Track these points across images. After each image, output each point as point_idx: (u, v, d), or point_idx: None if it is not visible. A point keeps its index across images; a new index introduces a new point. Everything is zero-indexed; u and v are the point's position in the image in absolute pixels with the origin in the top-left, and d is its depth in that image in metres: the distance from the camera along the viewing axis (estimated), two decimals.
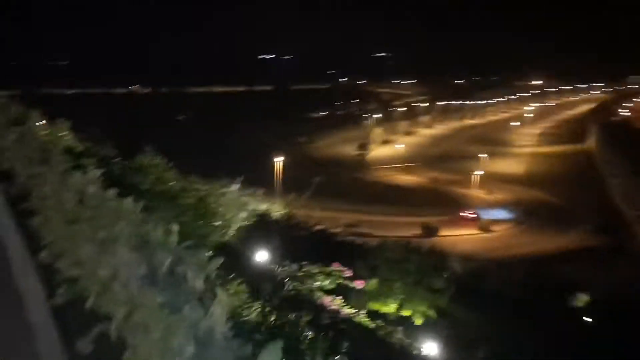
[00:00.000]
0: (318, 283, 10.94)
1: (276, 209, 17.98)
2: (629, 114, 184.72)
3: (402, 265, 12.49)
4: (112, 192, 4.90)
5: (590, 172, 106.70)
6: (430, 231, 66.06)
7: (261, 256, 11.79)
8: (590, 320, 20.79)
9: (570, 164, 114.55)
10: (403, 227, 66.87)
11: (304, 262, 11.33)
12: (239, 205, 10.70)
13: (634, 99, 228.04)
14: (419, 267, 12.43)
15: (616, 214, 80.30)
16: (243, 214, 10.36)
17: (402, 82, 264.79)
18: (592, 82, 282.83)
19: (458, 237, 67.49)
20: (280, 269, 11.45)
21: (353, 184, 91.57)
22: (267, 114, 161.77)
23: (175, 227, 3.36)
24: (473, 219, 73.21)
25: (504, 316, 15.00)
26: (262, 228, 13.12)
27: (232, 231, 9.50)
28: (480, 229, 69.72)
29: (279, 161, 70.10)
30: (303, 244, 14.43)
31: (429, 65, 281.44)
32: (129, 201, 4.51)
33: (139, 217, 4.38)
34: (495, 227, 71.07)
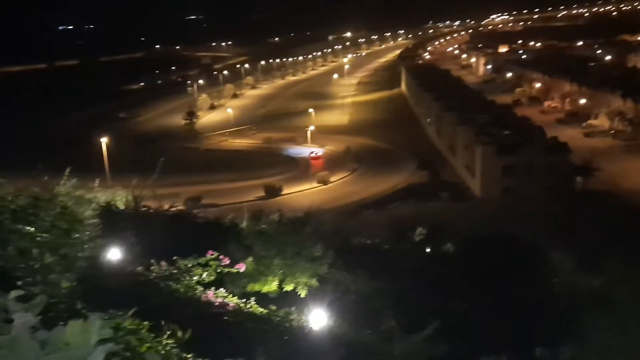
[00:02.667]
0: (196, 277, 9.91)
1: (119, 198, 16.13)
2: (430, 56, 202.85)
3: (277, 239, 11.94)
4: None
5: (406, 114, 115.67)
6: (273, 191, 66.61)
7: (118, 259, 10.36)
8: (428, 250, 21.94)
9: (389, 108, 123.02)
10: (246, 192, 66.56)
11: (174, 257, 10.17)
12: (83, 203, 9.13)
13: (433, 43, 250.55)
14: (296, 239, 11.99)
15: (432, 149, 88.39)
16: (88, 213, 8.86)
17: (220, 45, 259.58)
18: (396, 30, 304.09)
19: (300, 192, 69.08)
20: (145, 270, 10.16)
21: (187, 155, 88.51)
22: (77, 91, 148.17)
23: None
24: (318, 157, 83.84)
25: (374, 269, 15.31)
26: (111, 224, 11.53)
27: (85, 238, 8.03)
28: (319, 182, 72.04)
29: (103, 142, 64.50)
30: (163, 234, 13.09)
31: (243, 25, 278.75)
32: None
33: None
34: (332, 178, 73.94)
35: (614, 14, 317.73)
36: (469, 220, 44.86)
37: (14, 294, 1.45)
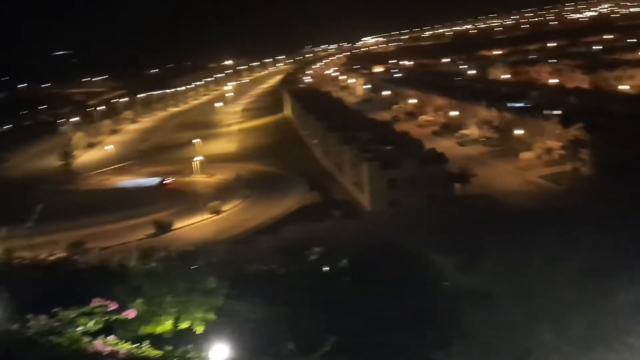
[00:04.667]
0: (81, 328, 9.23)
1: None
2: (311, 79, 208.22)
3: (167, 277, 11.51)
4: None
5: (293, 137, 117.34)
6: (163, 227, 64.23)
7: None
8: (327, 269, 22.29)
9: (276, 133, 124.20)
10: (134, 230, 63.57)
11: (55, 309, 9.42)
12: None
13: (312, 66, 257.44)
14: (186, 273, 11.63)
15: (321, 169, 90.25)
16: None
17: (93, 80, 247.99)
18: (275, 56, 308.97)
19: (192, 225, 67.27)
20: (22, 327, 9.31)
21: (66, 198, 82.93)
22: None
23: None
24: (172, 182, 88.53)
25: (271, 294, 15.26)
26: None
27: None
28: (211, 212, 70.63)
29: None
30: (40, 286, 12.15)
31: (114, 59, 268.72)
32: None
33: None
34: (224, 207, 72.83)
35: (473, 31, 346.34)
36: (362, 235, 46.25)
37: None
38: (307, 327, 12.03)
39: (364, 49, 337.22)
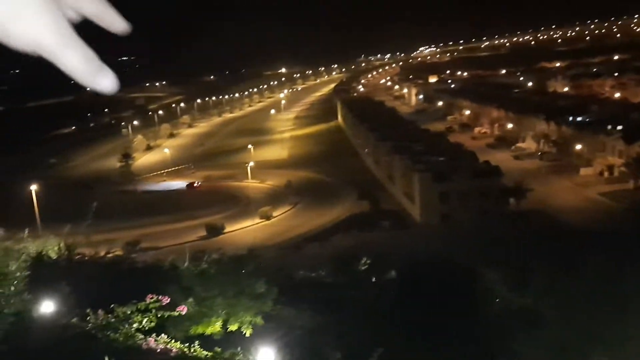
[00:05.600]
0: (136, 325, 9.61)
1: (51, 247, 15.49)
2: (364, 88, 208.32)
3: (218, 279, 11.81)
4: None
5: (344, 145, 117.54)
6: (215, 230, 65.59)
7: (51, 312, 9.92)
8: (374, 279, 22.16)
9: (327, 141, 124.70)
10: (187, 232, 65.21)
11: (112, 305, 9.84)
12: (10, 255, 8.77)
13: (366, 76, 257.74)
14: (236, 277, 11.89)
15: (372, 179, 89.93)
16: (14, 266, 8.51)
17: (154, 85, 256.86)
18: (329, 65, 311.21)
19: (243, 229, 68.37)
20: (81, 321, 9.77)
21: (124, 198, 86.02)
22: (3, 138, 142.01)
23: None
24: (199, 185, 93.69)
25: (318, 302, 15.36)
26: (42, 276, 11.09)
27: (10, 293, 7.70)
28: (262, 217, 71.60)
29: (33, 189, 61.81)
30: (99, 281, 12.68)
31: (176, 65, 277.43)
32: None
33: None
34: (275, 213, 73.67)
35: (532, 43, 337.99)
36: (411, 247, 45.76)
37: None
38: (353, 338, 12.05)
39: (419, 59, 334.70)
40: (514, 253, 32.95)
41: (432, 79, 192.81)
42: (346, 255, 31.87)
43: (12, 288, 7.43)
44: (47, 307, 9.79)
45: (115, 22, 0.88)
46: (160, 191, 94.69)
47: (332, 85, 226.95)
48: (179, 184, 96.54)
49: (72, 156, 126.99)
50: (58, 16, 0.68)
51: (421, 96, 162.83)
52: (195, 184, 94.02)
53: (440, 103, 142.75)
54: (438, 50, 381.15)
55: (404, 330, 13.28)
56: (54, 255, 14.92)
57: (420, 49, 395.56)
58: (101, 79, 0.77)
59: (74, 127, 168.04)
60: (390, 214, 69.42)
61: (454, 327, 13.34)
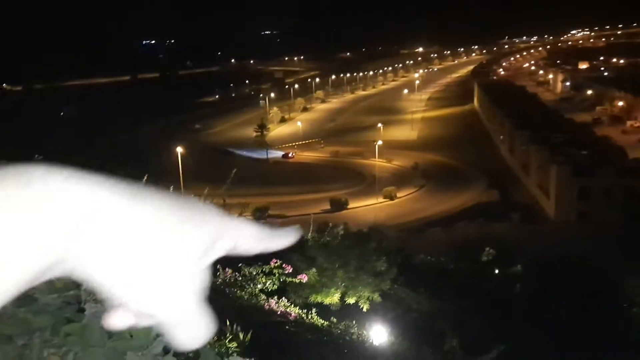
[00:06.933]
0: (260, 285, 10.15)
1: None
2: (505, 72, 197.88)
3: (341, 252, 12.04)
4: None
5: (477, 130, 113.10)
6: (339, 205, 66.82)
7: None
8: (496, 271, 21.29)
9: (460, 125, 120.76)
10: (312, 204, 67.11)
11: (240, 264, 10.45)
12: None
13: (508, 58, 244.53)
14: (360, 253, 12.04)
15: (504, 168, 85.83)
16: None
17: (292, 59, 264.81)
18: (469, 45, 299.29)
19: (366, 207, 68.90)
20: (211, 276, 10.45)
21: (256, 167, 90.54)
22: (157, 102, 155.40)
23: None
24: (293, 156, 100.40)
25: (437, 287, 15.09)
26: None
27: None
28: (385, 197, 71.59)
29: (179, 152, 67.16)
30: None
31: (314, 40, 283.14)
32: None
33: None
34: (399, 194, 73.27)
35: None
36: (541, 243, 43.20)
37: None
38: (472, 328, 11.71)
39: (570, 43, 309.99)
40: None
41: (583, 65, 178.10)
42: (469, 244, 30.94)
43: None
44: None
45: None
46: (289, 162, 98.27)
47: (471, 67, 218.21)
48: (278, 153, 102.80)
49: (214, 123, 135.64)
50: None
51: (568, 83, 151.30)
52: (290, 155, 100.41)
53: (589, 92, 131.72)
54: (592, 34, 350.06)
55: (526, 327, 12.64)
56: None
57: (572, 32, 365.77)
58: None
59: (217, 96, 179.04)
60: (521, 207, 65.97)
61: (580, 327, 12.46)
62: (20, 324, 1.45)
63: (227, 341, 6.34)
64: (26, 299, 1.49)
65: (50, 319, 1.48)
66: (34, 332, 1.45)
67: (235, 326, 6.69)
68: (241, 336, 6.75)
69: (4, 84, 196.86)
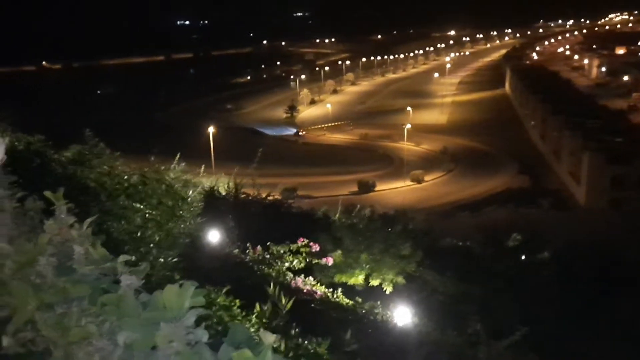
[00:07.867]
0: (287, 264, 10.36)
1: (222, 184, 16.93)
2: (538, 56, 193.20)
3: (367, 234, 12.14)
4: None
5: (508, 115, 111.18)
6: (366, 187, 66.85)
7: (217, 240, 10.99)
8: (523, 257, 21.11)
9: (491, 109, 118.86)
10: (340, 186, 67.29)
11: (268, 243, 10.68)
12: (188, 186, 9.71)
13: (542, 43, 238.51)
14: (385, 236, 12.13)
15: (535, 154, 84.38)
16: (192, 196, 9.43)
17: (323, 41, 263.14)
18: (502, 29, 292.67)
19: (393, 190, 68.77)
20: (241, 253, 10.74)
21: (286, 147, 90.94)
22: (190, 82, 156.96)
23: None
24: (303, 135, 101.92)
25: (464, 271, 15.11)
26: (212, 208, 12.21)
27: (188, 216, 8.62)
28: (413, 180, 71.28)
29: (210, 131, 67.87)
30: (259, 220, 13.70)
31: (347, 22, 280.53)
32: None
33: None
34: (427, 177, 72.85)
35: None
36: (570, 230, 42.58)
37: (122, 258, 1.67)
38: (497, 312, 11.75)
39: (607, 28, 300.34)
40: None
41: (620, 50, 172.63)
42: (497, 229, 30.69)
43: (191, 211, 8.35)
44: (213, 236, 10.85)
45: None
46: (323, 144, 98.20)
47: (503, 51, 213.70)
48: (291, 130, 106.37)
49: (245, 104, 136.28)
50: None
51: (604, 68, 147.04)
52: (300, 133, 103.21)
53: (625, 77, 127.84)
54: (632, 18, 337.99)
55: (550, 312, 12.62)
56: (223, 192, 16.33)
57: (610, 15, 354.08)
58: None
59: (248, 77, 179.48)
60: (552, 193, 65.03)
61: (606, 319, 12.39)
62: (60, 293, 1.56)
63: (254, 316, 6.57)
64: (65, 269, 1.65)
65: (87, 289, 1.58)
66: (73, 301, 1.54)
67: (262, 303, 6.91)
68: (268, 314, 6.95)
69: (44, 62, 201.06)
